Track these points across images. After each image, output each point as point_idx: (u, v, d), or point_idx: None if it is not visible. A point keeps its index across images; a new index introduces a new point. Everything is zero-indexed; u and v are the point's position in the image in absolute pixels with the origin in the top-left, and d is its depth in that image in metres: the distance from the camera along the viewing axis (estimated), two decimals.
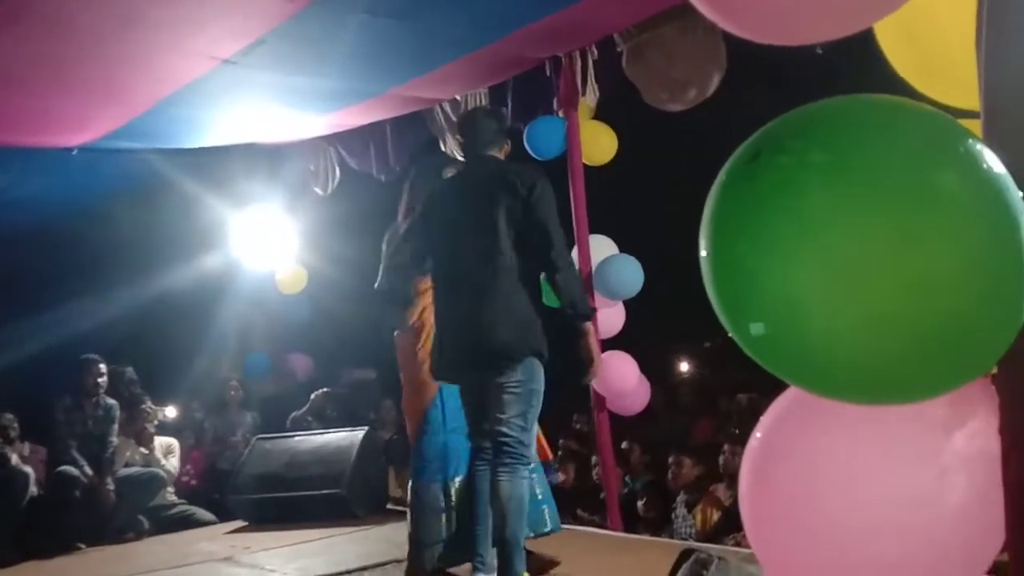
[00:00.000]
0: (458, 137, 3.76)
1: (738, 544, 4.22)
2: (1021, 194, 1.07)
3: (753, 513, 1.28)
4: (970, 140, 1.08)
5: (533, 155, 5.13)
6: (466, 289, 3.29)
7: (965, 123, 1.40)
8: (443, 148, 5.94)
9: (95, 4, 3.90)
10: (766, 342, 1.10)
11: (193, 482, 6.65)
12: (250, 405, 7.41)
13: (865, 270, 1.02)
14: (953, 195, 1.04)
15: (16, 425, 5.70)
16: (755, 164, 1.06)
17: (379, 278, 4.00)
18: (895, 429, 1.17)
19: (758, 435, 1.30)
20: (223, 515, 5.77)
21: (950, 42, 1.46)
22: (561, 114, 5.14)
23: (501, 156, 3.56)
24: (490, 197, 3.30)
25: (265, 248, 7.14)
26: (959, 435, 1.17)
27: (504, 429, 3.22)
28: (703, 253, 1.12)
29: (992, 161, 1.07)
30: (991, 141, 1.20)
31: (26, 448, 5.77)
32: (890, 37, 1.49)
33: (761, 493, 1.27)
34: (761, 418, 1.30)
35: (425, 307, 3.83)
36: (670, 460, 5.22)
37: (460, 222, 3.39)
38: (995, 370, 1.18)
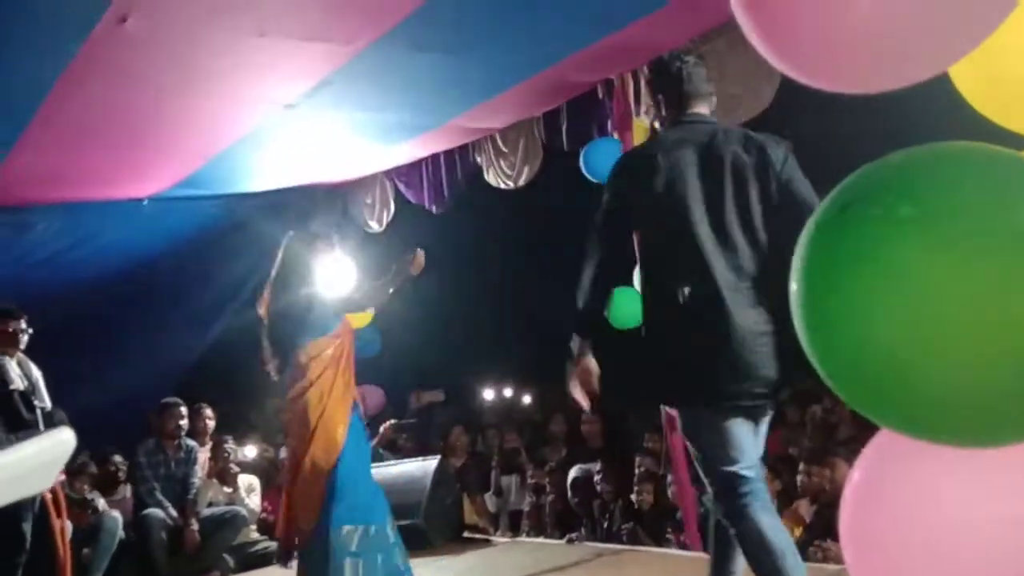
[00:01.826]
0: (658, 97, 2.89)
1: (825, 558, 4.15)
2: None
3: (857, 555, 1.27)
4: None
5: (590, 177, 5.15)
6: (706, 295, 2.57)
7: None
8: (487, 177, 6.01)
9: (160, 59, 4.05)
10: (860, 390, 1.10)
11: (273, 519, 6.76)
12: None
13: (960, 319, 1.02)
14: None
15: (124, 467, 5.88)
16: (844, 216, 1.07)
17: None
18: (999, 468, 1.17)
19: (856, 476, 1.30)
20: None
21: (1020, 70, 1.45)
22: (616, 135, 5.15)
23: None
24: (734, 172, 2.58)
25: (334, 284, 7.24)
26: None
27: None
28: (794, 305, 1.13)
29: None
30: None
31: (127, 490, 5.94)
32: (965, 74, 1.49)
33: (864, 535, 1.27)
34: (861, 456, 1.30)
35: (323, 371, 3.85)
36: None
37: (692, 205, 2.60)
38: None
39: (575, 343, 2.98)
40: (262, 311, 4.03)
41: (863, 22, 1.16)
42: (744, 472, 2.57)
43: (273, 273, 4.03)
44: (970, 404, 1.07)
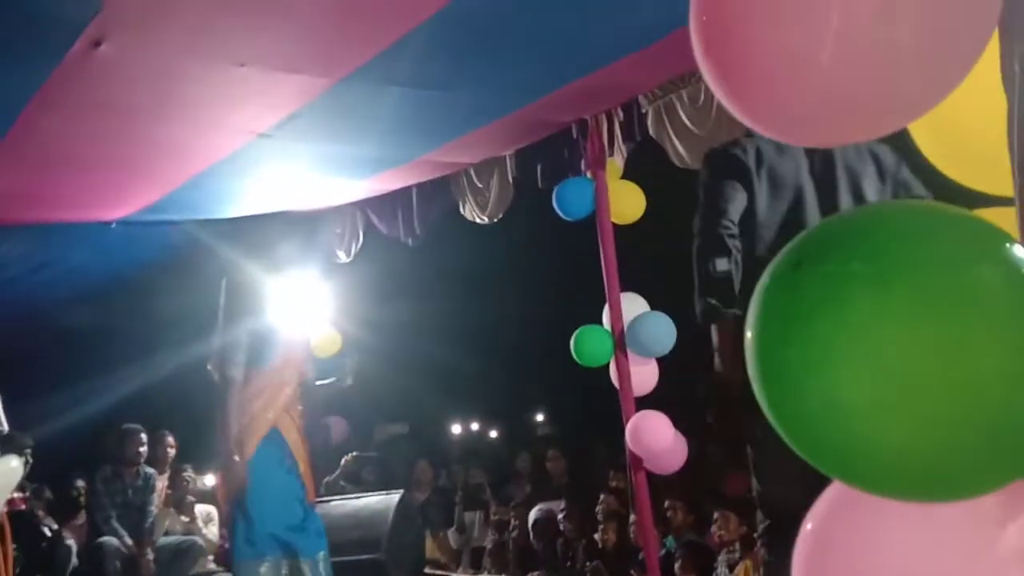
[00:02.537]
0: None
1: None
2: None
3: None
4: (1007, 241, 1.10)
5: (563, 215, 5.19)
6: None
7: (997, 211, 1.43)
8: (462, 211, 6.04)
9: (135, 86, 4.04)
10: (812, 443, 1.12)
11: (227, 545, 6.67)
12: None
13: (912, 376, 1.04)
14: (995, 297, 1.06)
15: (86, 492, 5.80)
16: (798, 273, 1.09)
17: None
18: (948, 524, 1.18)
19: (808, 527, 1.31)
20: None
21: (978, 127, 1.49)
22: (589, 175, 5.20)
23: None
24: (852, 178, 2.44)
25: (300, 313, 7.22)
26: (1013, 529, 1.18)
27: None
28: (748, 357, 1.15)
29: None
30: None
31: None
32: (924, 131, 1.53)
33: None
34: (814, 506, 1.31)
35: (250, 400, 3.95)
36: (715, 516, 5.16)
37: None
38: None
39: None
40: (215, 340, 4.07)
41: (826, 78, 1.19)
42: None
43: (221, 302, 4.13)
44: (919, 461, 1.09)
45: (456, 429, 12.99)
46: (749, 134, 4.60)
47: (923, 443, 1.06)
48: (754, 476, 3.14)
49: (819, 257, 1.09)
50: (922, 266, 1.05)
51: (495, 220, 5.90)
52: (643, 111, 5.00)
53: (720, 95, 1.29)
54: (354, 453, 7.54)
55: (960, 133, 1.50)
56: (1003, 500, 1.18)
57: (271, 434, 3.93)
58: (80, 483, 5.84)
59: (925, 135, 1.54)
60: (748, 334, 1.17)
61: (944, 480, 1.11)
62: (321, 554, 3.90)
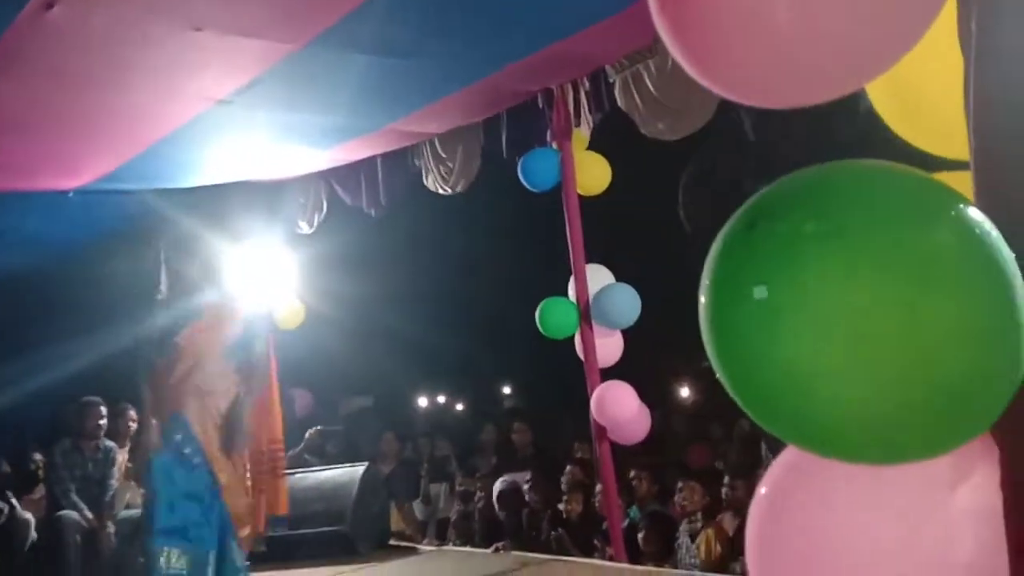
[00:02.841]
0: None
1: (744, 571, 4.20)
2: (1011, 252, 1.09)
3: (760, 569, 1.28)
4: (960, 203, 1.10)
5: (528, 186, 5.16)
6: None
7: (953, 175, 1.43)
8: (426, 182, 5.99)
9: (90, 51, 3.94)
10: (766, 406, 1.11)
11: None
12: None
13: (862, 336, 1.03)
14: (945, 258, 1.05)
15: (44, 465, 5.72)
16: (752, 233, 1.08)
17: None
18: (899, 486, 1.18)
19: (763, 491, 1.30)
20: None
21: (935, 91, 1.48)
22: (555, 145, 5.17)
23: None
24: None
25: (262, 284, 7.14)
26: (962, 491, 1.18)
27: None
28: (703, 320, 1.13)
29: (982, 221, 1.09)
30: (983, 193, 1.22)
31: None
32: (881, 92, 1.51)
33: (767, 551, 1.28)
34: (765, 474, 1.31)
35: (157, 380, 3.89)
36: (679, 486, 5.20)
37: None
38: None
39: None
40: None
41: (782, 38, 1.18)
42: None
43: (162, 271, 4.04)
44: (870, 423, 1.08)
45: (422, 402, 12.98)
46: (722, 107, 4.61)
47: (878, 404, 1.06)
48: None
49: (774, 216, 1.08)
50: (877, 226, 1.05)
51: (458, 190, 5.86)
52: (610, 81, 4.96)
53: (677, 55, 1.27)
54: (318, 427, 7.49)
55: (917, 96, 1.49)
56: (953, 462, 1.18)
57: (172, 419, 3.76)
58: (38, 456, 5.76)
59: (882, 97, 1.53)
60: (702, 298, 1.16)
61: (899, 442, 1.11)
62: (213, 553, 3.70)
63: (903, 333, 1.04)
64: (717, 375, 1.16)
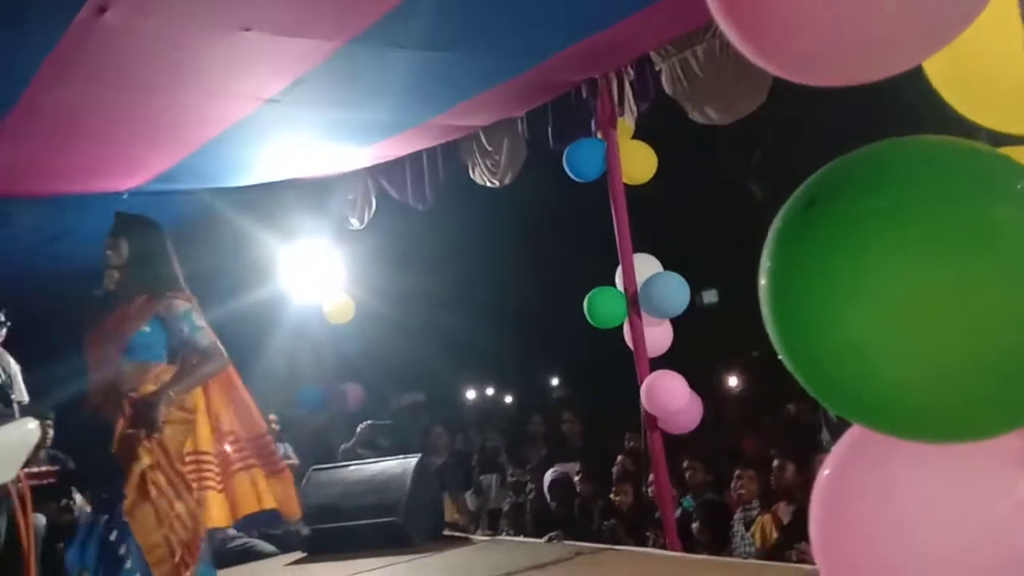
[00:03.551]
0: None
1: (802, 559, 4.17)
2: None
3: (826, 552, 1.28)
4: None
5: (574, 177, 5.16)
6: None
7: (1016, 150, 1.40)
8: (472, 175, 6.00)
9: (141, 54, 4.01)
10: (830, 386, 1.11)
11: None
12: (285, 438, 7.36)
13: (928, 314, 1.02)
14: (1009, 233, 1.04)
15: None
16: (811, 212, 1.07)
17: None
18: (968, 464, 1.17)
19: (827, 471, 1.30)
20: (282, 547, 5.83)
21: (995, 64, 1.45)
22: (600, 135, 5.16)
23: None
24: None
25: (313, 280, 7.23)
26: None
27: None
28: (763, 302, 1.13)
29: None
30: None
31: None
32: (935, 63, 1.49)
33: (834, 532, 1.27)
34: (832, 452, 1.30)
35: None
36: (736, 474, 5.18)
37: None
38: None
39: None
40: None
41: (839, 15, 1.17)
42: None
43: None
44: (937, 400, 1.07)
45: (471, 395, 13.03)
46: (771, 92, 4.54)
47: (940, 383, 1.05)
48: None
49: (833, 195, 1.07)
50: (938, 202, 1.03)
51: (506, 183, 5.86)
52: (656, 68, 4.92)
53: (732, 36, 1.26)
54: (369, 422, 7.56)
55: (976, 69, 1.46)
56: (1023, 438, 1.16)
57: None
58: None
59: (940, 72, 1.51)
60: (762, 280, 1.15)
61: (962, 420, 1.09)
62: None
63: (966, 310, 1.02)
64: (779, 356, 1.15)
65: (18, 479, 2.60)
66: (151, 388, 3.44)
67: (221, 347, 3.63)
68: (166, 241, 3.80)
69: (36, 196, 5.78)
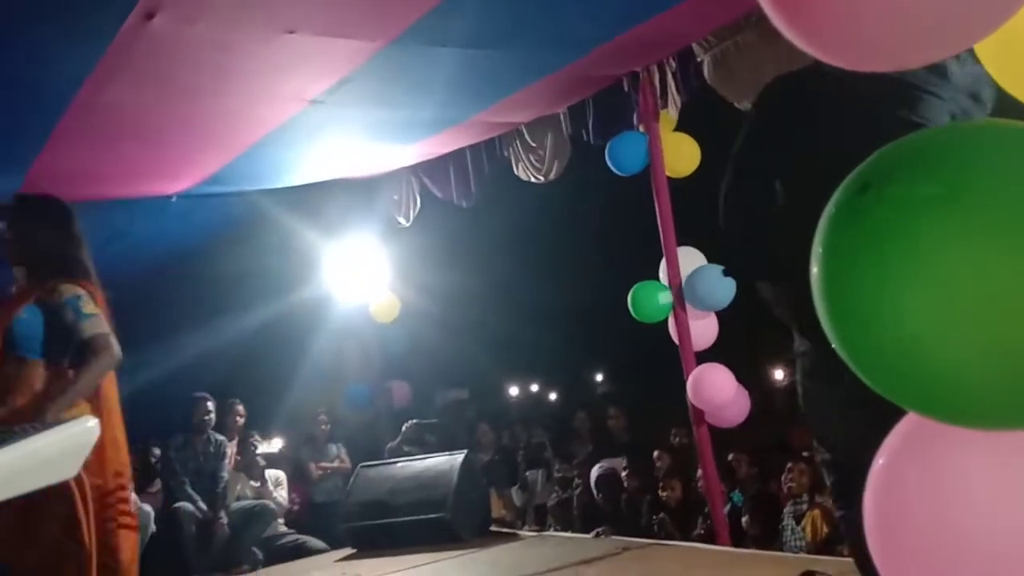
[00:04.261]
0: None
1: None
2: None
3: (882, 545, 1.26)
4: None
5: (616, 171, 5.14)
6: None
7: None
8: (516, 171, 6.00)
9: (189, 58, 4.08)
10: (885, 374, 1.09)
11: (295, 508, 6.80)
12: (336, 437, 7.45)
13: (984, 300, 1.00)
14: None
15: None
16: (864, 197, 1.06)
17: None
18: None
19: (880, 461, 1.28)
20: (331, 543, 5.90)
21: None
22: (642, 128, 5.13)
23: None
24: None
25: (358, 279, 7.30)
26: None
27: None
28: (815, 289, 1.12)
29: None
30: None
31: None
32: (990, 51, 1.46)
33: (888, 523, 1.25)
34: (886, 441, 1.28)
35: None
36: (788, 467, 5.13)
37: None
38: None
39: None
40: None
41: None
42: None
43: None
44: (995, 387, 1.05)
45: (515, 392, 13.05)
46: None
47: (999, 369, 1.03)
48: None
49: (886, 179, 1.05)
50: (994, 186, 1.01)
51: (551, 178, 5.85)
52: (698, 60, 4.88)
53: (778, 21, 1.25)
54: (414, 420, 7.60)
55: None
56: None
57: None
58: (156, 451, 6.01)
59: (992, 55, 1.48)
60: (814, 268, 1.14)
61: (1020, 407, 1.07)
62: None
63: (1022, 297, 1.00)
64: (833, 344, 1.14)
65: (79, 476, 2.65)
66: (38, 388, 2.91)
67: (114, 340, 3.01)
68: (66, 222, 3.30)
69: (87, 200, 5.89)
